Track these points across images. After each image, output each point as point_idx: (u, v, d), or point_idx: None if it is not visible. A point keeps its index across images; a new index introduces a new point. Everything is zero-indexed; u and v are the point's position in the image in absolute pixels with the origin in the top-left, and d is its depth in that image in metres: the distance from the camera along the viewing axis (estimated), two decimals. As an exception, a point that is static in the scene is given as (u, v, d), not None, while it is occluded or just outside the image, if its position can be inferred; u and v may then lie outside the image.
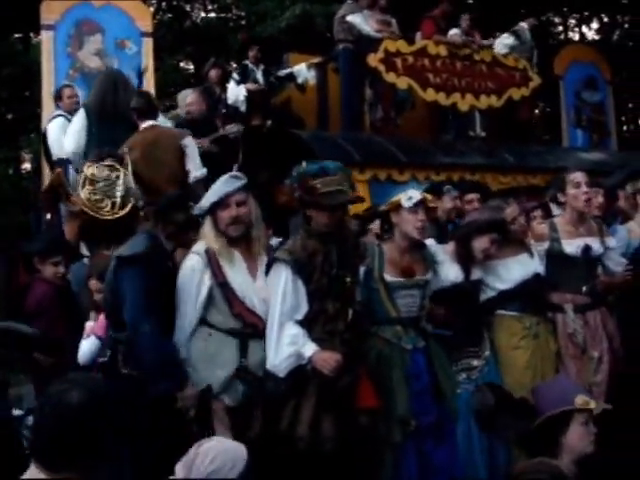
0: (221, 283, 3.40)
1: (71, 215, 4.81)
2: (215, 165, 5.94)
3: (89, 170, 4.57)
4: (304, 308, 3.34)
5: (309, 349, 3.27)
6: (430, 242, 3.91)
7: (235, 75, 8.11)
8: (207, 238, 3.43)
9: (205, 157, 5.95)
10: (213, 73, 7.97)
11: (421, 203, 3.60)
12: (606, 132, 10.30)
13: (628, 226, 4.66)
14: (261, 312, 3.42)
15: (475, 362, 3.92)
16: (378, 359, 3.53)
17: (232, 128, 6.70)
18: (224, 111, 7.74)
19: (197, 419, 3.33)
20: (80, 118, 5.85)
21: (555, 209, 4.82)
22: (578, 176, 4.21)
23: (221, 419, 3.34)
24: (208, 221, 3.45)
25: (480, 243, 3.92)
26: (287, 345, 3.28)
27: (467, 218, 4.18)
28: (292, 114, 8.39)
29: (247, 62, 8.20)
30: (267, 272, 3.42)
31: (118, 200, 4.56)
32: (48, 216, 5.66)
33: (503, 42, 8.78)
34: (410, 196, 3.59)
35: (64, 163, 6.06)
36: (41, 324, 4.12)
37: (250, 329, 3.42)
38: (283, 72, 8.27)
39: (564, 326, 4.14)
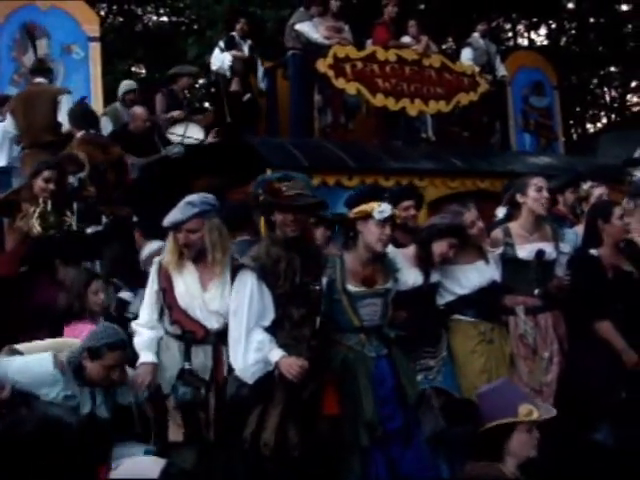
0: (163, 289, 3.60)
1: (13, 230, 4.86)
2: (162, 186, 6.10)
3: (42, 205, 4.75)
4: (271, 314, 3.42)
5: (275, 355, 3.33)
6: (388, 247, 3.93)
7: (221, 43, 8.08)
8: (165, 250, 3.66)
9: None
10: (185, 81, 7.90)
11: (390, 218, 3.68)
12: (553, 136, 10.50)
13: (576, 230, 4.74)
14: (205, 322, 3.54)
15: (432, 362, 3.97)
16: (343, 366, 3.60)
17: (173, 149, 6.68)
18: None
19: (155, 418, 3.51)
20: None
21: (501, 213, 4.89)
22: (541, 181, 4.34)
23: (174, 418, 3.47)
24: (170, 236, 3.64)
25: (439, 247, 3.99)
26: (254, 351, 3.34)
27: (427, 222, 4.25)
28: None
29: (234, 33, 8.15)
30: (232, 278, 3.47)
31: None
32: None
33: (465, 57, 9.02)
34: (382, 209, 3.65)
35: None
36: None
37: (190, 335, 3.54)
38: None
39: (515, 327, 4.22)
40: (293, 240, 3.47)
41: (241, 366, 3.37)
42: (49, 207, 4.71)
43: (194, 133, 7.34)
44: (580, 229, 4.67)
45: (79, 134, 5.88)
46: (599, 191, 4.86)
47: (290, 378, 3.28)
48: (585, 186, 4.92)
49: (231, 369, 3.46)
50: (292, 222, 3.44)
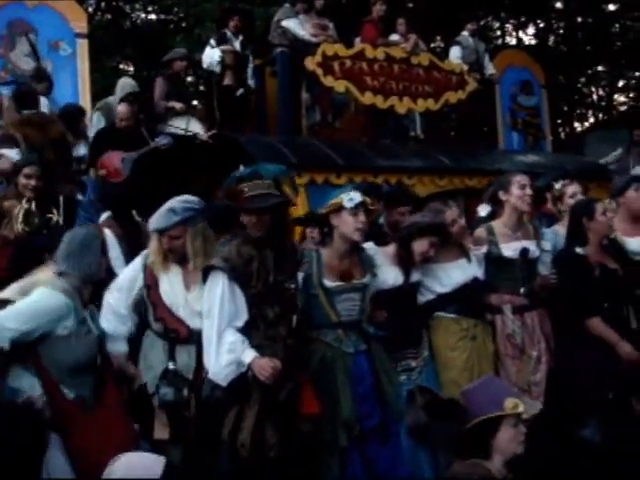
0: (148, 285, 3.63)
1: None
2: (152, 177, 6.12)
3: (26, 205, 4.73)
4: (244, 315, 3.33)
5: (248, 356, 3.26)
6: (369, 245, 3.92)
7: (212, 41, 8.06)
8: (150, 249, 3.67)
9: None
10: (180, 64, 7.83)
11: (361, 205, 3.59)
12: (541, 135, 10.55)
13: (555, 229, 4.73)
14: (189, 321, 3.56)
15: (414, 363, 3.95)
16: (321, 363, 3.54)
17: (162, 140, 6.65)
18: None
19: (138, 416, 3.50)
20: None
21: (482, 211, 4.90)
22: (524, 178, 4.31)
23: (159, 416, 3.47)
24: (155, 237, 3.65)
25: (420, 246, 3.93)
26: (226, 353, 3.26)
27: (408, 220, 4.17)
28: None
29: (226, 30, 8.13)
30: (204, 280, 3.41)
31: None
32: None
33: (454, 55, 9.05)
34: (351, 197, 3.57)
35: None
36: None
37: (173, 334, 3.56)
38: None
39: (503, 327, 4.19)
40: (266, 238, 3.38)
41: (214, 368, 3.27)
42: (33, 207, 4.68)
43: (195, 128, 7.32)
44: (559, 228, 4.66)
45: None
46: (572, 189, 4.81)
47: (262, 380, 3.19)
48: (557, 185, 4.89)
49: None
50: (255, 224, 3.35)
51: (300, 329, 3.43)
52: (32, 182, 4.79)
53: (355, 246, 3.69)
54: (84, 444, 3.09)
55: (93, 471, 2.89)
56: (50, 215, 4.77)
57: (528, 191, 4.27)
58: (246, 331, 3.33)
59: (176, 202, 3.64)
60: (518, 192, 4.26)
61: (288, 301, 3.39)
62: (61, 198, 4.91)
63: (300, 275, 3.51)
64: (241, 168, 3.59)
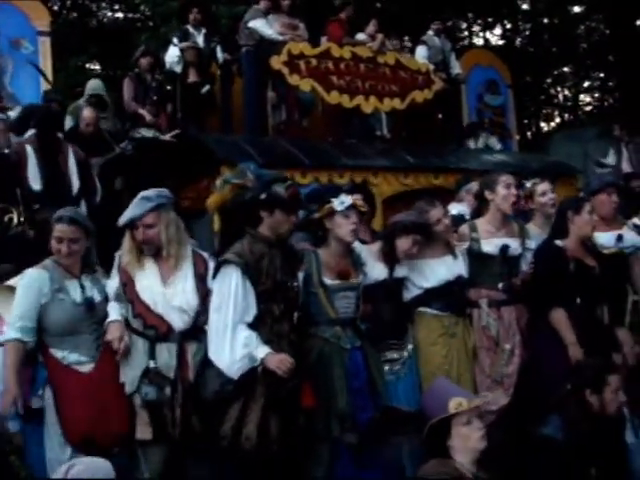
0: (124, 283, 3.65)
1: None
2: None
3: None
4: (253, 310, 3.44)
5: (261, 351, 3.36)
6: (355, 243, 4.03)
7: (175, 40, 7.98)
8: (123, 249, 3.70)
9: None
10: (144, 61, 7.78)
11: (352, 207, 3.79)
12: (507, 134, 10.63)
13: (528, 227, 4.77)
14: (167, 317, 3.57)
15: (396, 355, 4.07)
16: (319, 358, 3.67)
17: (127, 146, 6.60)
18: (155, 98, 7.67)
19: None
20: None
21: (454, 209, 4.92)
22: (510, 178, 4.45)
23: (141, 416, 3.49)
24: (127, 234, 3.69)
25: (402, 243, 4.07)
26: (242, 347, 3.36)
27: (393, 218, 4.30)
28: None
29: (188, 26, 8.08)
30: (215, 274, 3.50)
31: None
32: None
33: (419, 55, 9.03)
34: (342, 200, 3.78)
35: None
36: None
37: (152, 331, 3.56)
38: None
39: (479, 320, 4.31)
40: (274, 238, 3.55)
41: (227, 361, 3.37)
42: None
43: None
44: (531, 227, 4.70)
45: None
46: (542, 188, 4.86)
47: (280, 374, 3.31)
48: (528, 184, 4.95)
49: (204, 367, 3.47)
50: (291, 223, 3.59)
51: (300, 325, 3.59)
52: None
53: (349, 247, 3.88)
54: (77, 410, 3.34)
55: (83, 435, 3.30)
56: (9, 216, 4.68)
57: (513, 191, 4.40)
58: (254, 327, 3.44)
59: (149, 191, 3.69)
60: (504, 192, 4.38)
61: (291, 299, 3.55)
62: (18, 191, 4.81)
63: (300, 275, 3.66)
64: (251, 166, 3.74)
